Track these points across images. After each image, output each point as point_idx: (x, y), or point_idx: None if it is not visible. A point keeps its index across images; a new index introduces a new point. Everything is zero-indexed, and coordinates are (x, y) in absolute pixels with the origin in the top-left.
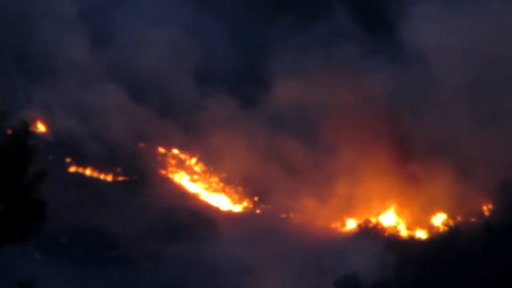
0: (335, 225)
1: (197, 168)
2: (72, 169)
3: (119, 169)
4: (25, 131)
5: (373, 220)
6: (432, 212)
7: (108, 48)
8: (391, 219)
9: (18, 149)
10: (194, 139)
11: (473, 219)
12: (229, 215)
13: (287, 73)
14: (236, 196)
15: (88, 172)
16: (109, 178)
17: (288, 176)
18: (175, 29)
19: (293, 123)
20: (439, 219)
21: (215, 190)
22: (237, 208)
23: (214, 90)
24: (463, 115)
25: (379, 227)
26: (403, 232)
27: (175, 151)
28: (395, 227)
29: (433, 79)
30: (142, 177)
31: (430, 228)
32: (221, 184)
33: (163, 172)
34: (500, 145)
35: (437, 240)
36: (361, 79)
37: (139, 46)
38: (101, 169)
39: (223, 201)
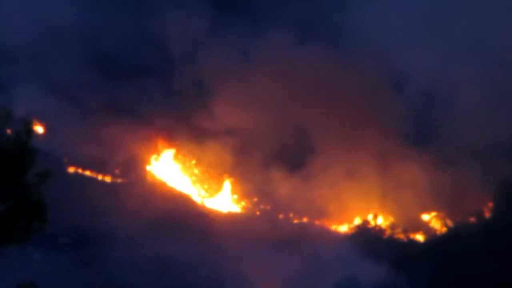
0: (334, 226)
1: (196, 170)
2: (71, 170)
3: (117, 171)
4: (26, 131)
5: (372, 221)
6: (431, 212)
7: None
8: (389, 220)
9: (19, 149)
10: (193, 140)
11: (472, 219)
12: (228, 216)
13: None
14: (236, 197)
15: (87, 173)
16: (108, 179)
17: (286, 176)
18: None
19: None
20: (437, 220)
21: (214, 191)
22: (236, 209)
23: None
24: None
25: (378, 228)
26: (402, 233)
27: (174, 152)
28: (393, 228)
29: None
30: (140, 178)
31: (428, 229)
32: (220, 185)
33: (161, 173)
34: (501, 142)
35: (436, 241)
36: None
37: None
38: (99, 170)
39: (222, 201)
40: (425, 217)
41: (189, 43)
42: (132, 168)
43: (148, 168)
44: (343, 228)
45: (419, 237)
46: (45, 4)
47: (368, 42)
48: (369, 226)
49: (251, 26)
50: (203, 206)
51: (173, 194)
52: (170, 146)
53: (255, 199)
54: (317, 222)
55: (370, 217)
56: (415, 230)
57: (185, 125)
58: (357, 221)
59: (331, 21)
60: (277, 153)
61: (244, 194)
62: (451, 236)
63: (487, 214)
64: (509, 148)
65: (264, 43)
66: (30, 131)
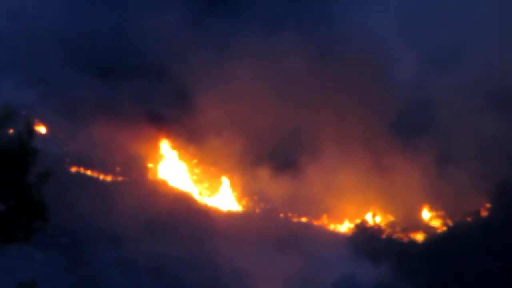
0: (333, 225)
1: (197, 169)
2: (72, 169)
3: (118, 170)
4: (28, 131)
5: (371, 220)
6: (430, 212)
7: None
8: (388, 219)
9: (20, 149)
10: (194, 140)
11: (470, 219)
12: (228, 214)
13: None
14: (236, 196)
15: (88, 172)
16: (109, 178)
17: (286, 175)
18: None
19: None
20: (437, 219)
21: (215, 190)
22: (237, 207)
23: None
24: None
25: (377, 227)
26: (401, 233)
27: (176, 151)
28: (392, 227)
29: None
30: (142, 177)
31: (427, 228)
32: (221, 184)
33: (163, 172)
34: (499, 144)
35: (435, 241)
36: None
37: None
38: (100, 170)
39: (222, 200)
40: (425, 216)
41: (189, 42)
42: (133, 167)
43: (149, 167)
44: (342, 228)
45: (419, 237)
46: (43, 5)
47: (364, 39)
48: (368, 225)
49: (247, 25)
50: (204, 205)
51: (174, 192)
52: (171, 145)
53: (255, 198)
54: (316, 221)
55: (369, 216)
56: (414, 229)
57: (186, 124)
58: (356, 220)
59: (323, 17)
60: (277, 152)
61: (245, 193)
62: (450, 235)
63: (485, 214)
64: (506, 150)
65: (261, 42)
66: (31, 131)
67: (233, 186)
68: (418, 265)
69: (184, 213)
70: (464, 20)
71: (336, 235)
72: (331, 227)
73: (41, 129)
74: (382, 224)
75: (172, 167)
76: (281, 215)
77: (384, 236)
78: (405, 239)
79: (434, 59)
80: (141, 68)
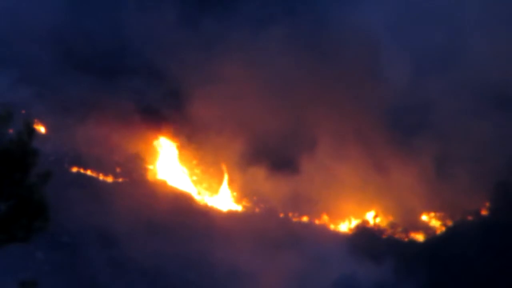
0: (334, 225)
1: (196, 169)
2: (73, 169)
3: (118, 170)
4: (28, 131)
5: (372, 220)
6: (430, 212)
7: None
8: (389, 219)
9: (21, 150)
10: (194, 140)
11: (470, 218)
12: (228, 214)
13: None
14: (235, 196)
15: (88, 173)
16: (109, 179)
17: (286, 175)
18: None
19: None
20: (437, 219)
21: (214, 190)
22: (236, 207)
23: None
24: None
25: (377, 227)
26: (402, 233)
27: (175, 151)
28: (393, 227)
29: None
30: (141, 178)
31: (427, 228)
32: (220, 184)
33: (162, 172)
34: (500, 142)
35: (435, 240)
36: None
37: None
38: (100, 170)
39: (222, 200)
40: (425, 216)
41: (189, 42)
42: (133, 167)
43: (149, 167)
44: (343, 227)
45: (419, 237)
46: (42, 4)
47: (363, 38)
48: (369, 225)
49: (246, 23)
50: (204, 205)
51: (173, 193)
52: (171, 145)
53: (255, 198)
54: (316, 221)
55: (369, 216)
56: (414, 229)
57: (185, 124)
58: (357, 220)
59: (320, 15)
60: (277, 152)
61: (244, 193)
62: (450, 235)
63: (485, 214)
64: (505, 150)
65: (260, 41)
66: (31, 132)
67: (232, 186)
68: (418, 265)
69: (184, 213)
70: (463, 20)
71: (336, 235)
72: (332, 227)
73: (40, 129)
74: (382, 224)
75: (171, 167)
76: (281, 215)
77: (384, 236)
78: (405, 239)
79: (434, 59)
80: (141, 67)
